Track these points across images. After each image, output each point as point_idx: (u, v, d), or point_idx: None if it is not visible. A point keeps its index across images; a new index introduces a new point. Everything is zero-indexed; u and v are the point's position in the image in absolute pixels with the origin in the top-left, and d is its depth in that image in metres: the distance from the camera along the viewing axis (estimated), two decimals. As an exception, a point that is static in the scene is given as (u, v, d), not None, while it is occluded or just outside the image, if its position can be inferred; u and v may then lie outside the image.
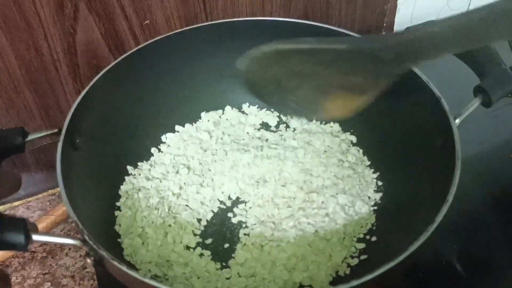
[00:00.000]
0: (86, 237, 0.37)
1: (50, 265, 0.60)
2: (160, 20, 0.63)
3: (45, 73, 0.60)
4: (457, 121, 0.47)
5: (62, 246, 0.62)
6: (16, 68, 0.58)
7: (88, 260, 0.37)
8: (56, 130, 0.45)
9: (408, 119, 0.53)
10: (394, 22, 0.82)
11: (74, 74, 0.62)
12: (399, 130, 0.55)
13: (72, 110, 0.47)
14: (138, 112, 0.60)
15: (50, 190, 0.70)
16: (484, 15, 0.33)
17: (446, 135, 0.46)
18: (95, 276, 0.57)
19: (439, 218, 0.39)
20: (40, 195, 0.70)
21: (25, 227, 0.33)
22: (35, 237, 0.34)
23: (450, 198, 0.40)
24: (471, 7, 0.86)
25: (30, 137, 0.43)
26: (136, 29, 0.62)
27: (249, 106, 0.67)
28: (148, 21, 0.62)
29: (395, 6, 0.80)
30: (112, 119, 0.56)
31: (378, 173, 0.59)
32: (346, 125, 0.64)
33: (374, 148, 0.61)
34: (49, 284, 0.59)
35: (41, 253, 0.62)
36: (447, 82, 0.52)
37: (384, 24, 0.82)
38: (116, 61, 0.55)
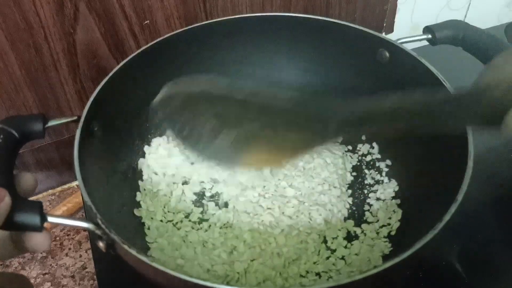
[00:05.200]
0: (99, 221, 0.38)
1: (50, 265, 0.60)
2: (160, 20, 0.63)
3: (45, 73, 0.60)
4: None
5: (62, 245, 0.62)
6: (16, 68, 0.58)
7: (101, 244, 0.39)
8: (75, 118, 0.47)
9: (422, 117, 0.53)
10: (394, 22, 0.83)
11: (74, 74, 0.62)
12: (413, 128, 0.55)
13: (91, 98, 0.48)
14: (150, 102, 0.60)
15: (50, 190, 0.70)
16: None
17: (460, 135, 0.46)
18: (95, 276, 0.57)
19: (447, 217, 0.39)
20: (40, 195, 0.70)
21: (41, 208, 0.35)
22: (50, 218, 0.35)
23: (460, 197, 0.40)
24: (471, 8, 0.86)
25: (50, 124, 0.44)
26: (136, 29, 0.62)
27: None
28: (148, 21, 0.62)
29: (395, 6, 0.80)
30: (128, 109, 0.57)
31: (390, 169, 0.59)
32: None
33: (387, 145, 0.61)
34: (49, 284, 0.59)
35: (41, 253, 0.62)
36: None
37: (384, 24, 0.82)
38: (138, 51, 0.55)
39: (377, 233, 0.53)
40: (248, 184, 0.58)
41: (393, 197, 0.56)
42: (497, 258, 0.53)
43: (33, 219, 0.34)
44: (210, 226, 0.54)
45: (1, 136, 0.39)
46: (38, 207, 0.34)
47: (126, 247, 0.36)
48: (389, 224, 0.53)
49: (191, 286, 0.34)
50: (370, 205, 0.56)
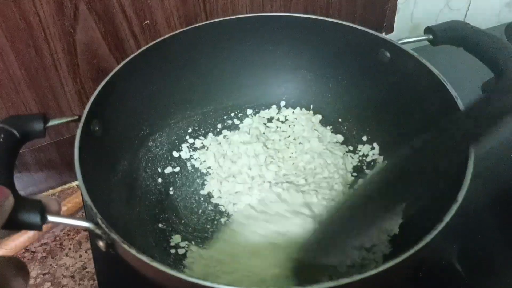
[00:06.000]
0: (99, 220, 0.38)
1: (50, 265, 0.60)
2: (160, 20, 0.63)
3: (45, 73, 0.60)
4: None
5: (62, 245, 0.62)
6: (16, 68, 0.58)
7: (101, 243, 0.39)
8: (76, 117, 0.47)
9: (423, 118, 0.53)
10: (394, 22, 0.83)
11: (74, 74, 0.62)
12: (415, 128, 0.55)
13: (92, 98, 0.48)
14: (151, 103, 0.60)
15: (50, 190, 0.70)
16: None
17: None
18: (95, 276, 0.57)
19: (447, 217, 0.39)
20: (40, 195, 0.70)
21: (41, 207, 0.35)
22: (50, 217, 0.35)
23: (461, 197, 0.40)
24: (471, 8, 0.87)
25: (50, 123, 0.44)
26: (136, 29, 0.62)
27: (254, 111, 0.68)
28: (148, 21, 0.62)
29: (395, 6, 0.80)
30: (129, 109, 0.57)
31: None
32: (361, 123, 0.64)
33: (387, 145, 0.61)
34: (49, 284, 0.59)
35: (41, 253, 0.62)
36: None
37: (384, 24, 0.82)
38: (138, 51, 0.55)
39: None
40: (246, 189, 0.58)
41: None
42: (497, 258, 0.53)
43: (34, 218, 0.34)
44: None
45: (2, 136, 0.39)
46: (38, 206, 0.34)
47: (126, 246, 0.36)
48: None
49: (191, 285, 0.34)
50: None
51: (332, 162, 0.60)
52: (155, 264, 0.35)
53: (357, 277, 0.35)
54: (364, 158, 0.62)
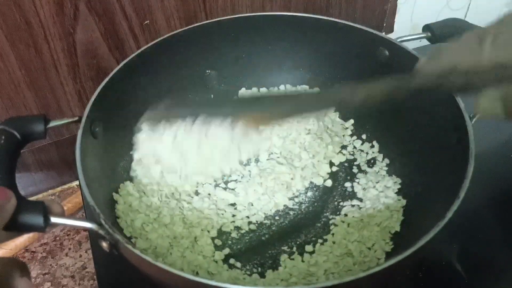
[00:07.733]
0: (102, 221, 0.38)
1: (50, 265, 0.60)
2: (160, 20, 0.63)
3: (45, 73, 0.60)
4: (473, 119, 0.47)
5: (62, 245, 0.62)
6: (16, 68, 0.58)
7: (104, 244, 0.39)
8: (76, 118, 0.47)
9: (423, 115, 0.53)
10: (394, 22, 0.83)
11: (74, 74, 0.62)
12: (414, 126, 0.56)
13: (92, 98, 0.48)
14: (151, 103, 0.59)
15: (50, 190, 0.70)
16: None
17: (461, 132, 0.46)
18: (95, 276, 0.57)
19: (449, 213, 0.39)
20: (40, 195, 0.70)
21: (44, 209, 0.35)
22: (53, 219, 0.35)
23: (462, 194, 0.40)
24: (471, 7, 0.87)
25: (51, 124, 0.44)
26: (136, 29, 0.62)
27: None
28: (148, 21, 0.62)
29: (395, 6, 0.80)
30: (129, 109, 0.56)
31: (391, 167, 0.59)
32: (361, 121, 0.64)
33: (388, 143, 0.61)
34: (49, 284, 0.59)
35: (41, 253, 0.62)
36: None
37: (384, 24, 0.82)
38: (138, 51, 0.55)
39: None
40: None
41: (397, 194, 0.56)
42: (497, 258, 0.53)
43: (37, 219, 0.34)
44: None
45: (3, 138, 0.39)
46: (41, 208, 0.34)
47: (130, 247, 0.36)
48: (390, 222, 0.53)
49: (195, 285, 0.34)
50: (372, 203, 0.56)
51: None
52: (159, 264, 0.35)
53: (361, 274, 0.35)
54: (364, 155, 0.62)
